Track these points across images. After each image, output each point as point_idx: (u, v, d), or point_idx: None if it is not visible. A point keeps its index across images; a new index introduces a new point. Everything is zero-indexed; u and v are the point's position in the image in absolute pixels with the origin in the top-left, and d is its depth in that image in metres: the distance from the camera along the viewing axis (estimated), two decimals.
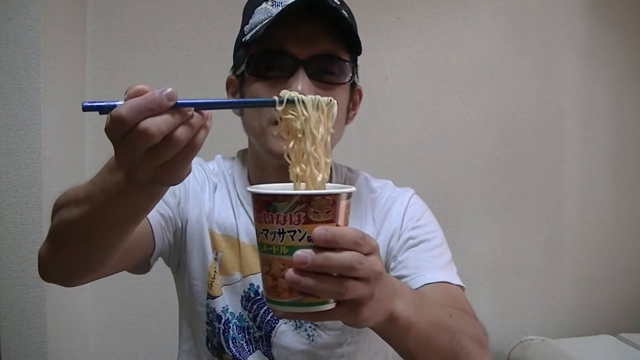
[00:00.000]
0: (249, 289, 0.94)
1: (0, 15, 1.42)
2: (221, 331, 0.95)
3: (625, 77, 2.10)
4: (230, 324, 0.95)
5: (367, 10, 1.93)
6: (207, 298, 0.95)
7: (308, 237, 0.54)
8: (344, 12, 0.87)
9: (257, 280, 0.93)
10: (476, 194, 2.01)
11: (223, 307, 0.95)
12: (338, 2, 0.89)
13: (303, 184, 0.63)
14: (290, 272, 0.54)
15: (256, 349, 0.95)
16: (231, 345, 0.94)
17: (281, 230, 0.55)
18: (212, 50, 1.79)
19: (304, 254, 0.53)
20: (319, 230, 0.54)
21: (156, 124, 0.51)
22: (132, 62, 1.79)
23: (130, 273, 0.94)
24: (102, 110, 0.53)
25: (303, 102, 0.61)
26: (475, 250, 2.01)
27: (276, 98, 0.61)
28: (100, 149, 1.73)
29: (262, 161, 0.94)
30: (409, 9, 1.96)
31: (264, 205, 0.55)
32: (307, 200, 0.54)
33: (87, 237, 0.66)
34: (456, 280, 0.90)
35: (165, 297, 1.73)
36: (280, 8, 0.84)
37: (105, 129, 0.54)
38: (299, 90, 0.81)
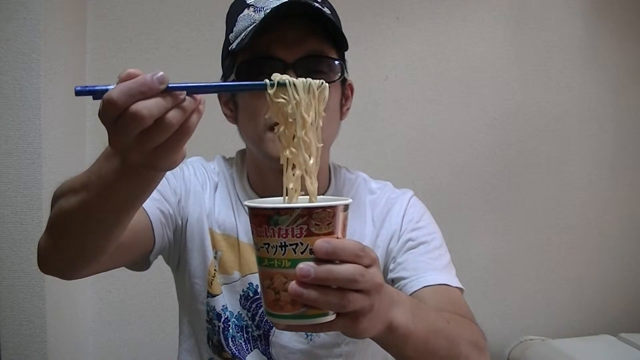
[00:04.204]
0: (247, 288, 0.94)
1: (0, 15, 1.42)
2: (221, 329, 0.95)
3: (625, 77, 2.10)
4: (230, 323, 0.95)
5: (367, 10, 1.93)
6: (207, 296, 0.96)
7: (310, 249, 0.54)
8: (326, 9, 0.87)
9: (256, 279, 0.93)
10: (476, 194, 2.01)
11: (223, 306, 0.95)
12: (320, 0, 0.89)
13: (297, 195, 0.62)
14: (293, 285, 0.54)
15: (254, 348, 0.95)
16: (230, 343, 0.95)
17: (283, 244, 0.55)
18: (212, 50, 1.78)
19: (306, 267, 0.54)
20: (321, 243, 0.54)
21: (147, 106, 0.51)
22: (132, 62, 1.79)
23: (130, 270, 0.95)
24: (95, 94, 0.54)
25: (294, 84, 0.61)
26: (475, 250, 2.01)
27: (267, 81, 0.60)
28: (100, 149, 1.73)
29: (260, 165, 0.95)
30: (409, 9, 1.96)
31: (264, 220, 0.55)
32: (308, 213, 0.54)
33: (85, 225, 0.66)
34: (455, 282, 0.91)
35: (165, 297, 1.73)
36: (262, 13, 0.84)
37: (98, 114, 0.54)
38: None
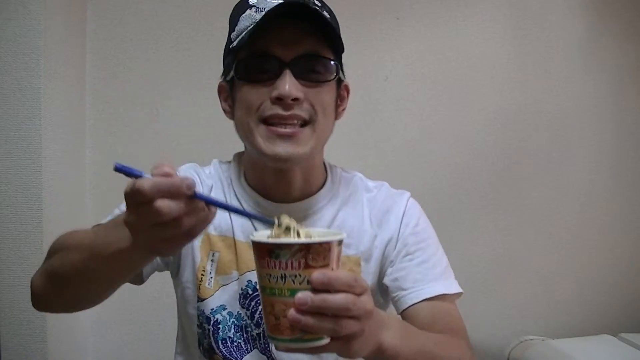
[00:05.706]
0: (246, 285, 0.95)
1: (0, 15, 1.42)
2: (211, 332, 0.96)
3: (625, 77, 2.10)
4: (220, 325, 0.96)
5: (367, 10, 1.93)
6: (197, 300, 0.97)
7: (307, 280, 0.60)
8: (325, 12, 0.90)
9: (254, 276, 0.93)
10: (476, 194, 2.01)
11: (212, 309, 0.96)
12: (319, 4, 0.92)
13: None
14: (292, 312, 0.59)
15: (254, 348, 0.96)
16: (221, 346, 0.95)
17: (283, 275, 0.60)
18: (212, 50, 1.78)
19: (304, 296, 0.59)
20: (317, 274, 0.59)
21: (170, 206, 0.58)
22: (132, 62, 1.79)
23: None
24: (129, 176, 0.61)
25: (297, 232, 0.65)
26: (475, 250, 2.01)
27: (276, 220, 0.66)
28: (100, 149, 1.73)
29: (257, 163, 0.96)
30: (409, 9, 1.96)
31: (267, 253, 0.61)
32: (306, 248, 0.60)
33: (86, 281, 0.74)
34: (453, 288, 0.95)
35: (165, 297, 1.73)
36: (263, 13, 0.87)
37: (124, 193, 0.60)
38: (286, 89, 0.85)
